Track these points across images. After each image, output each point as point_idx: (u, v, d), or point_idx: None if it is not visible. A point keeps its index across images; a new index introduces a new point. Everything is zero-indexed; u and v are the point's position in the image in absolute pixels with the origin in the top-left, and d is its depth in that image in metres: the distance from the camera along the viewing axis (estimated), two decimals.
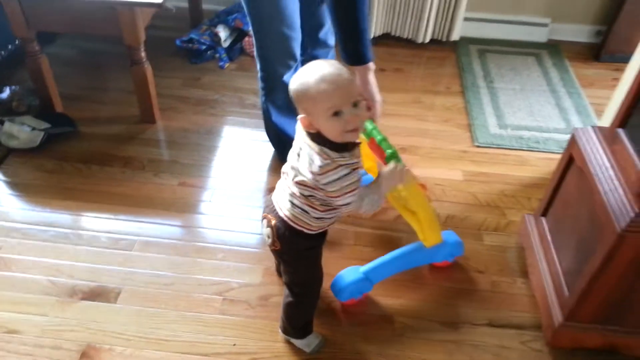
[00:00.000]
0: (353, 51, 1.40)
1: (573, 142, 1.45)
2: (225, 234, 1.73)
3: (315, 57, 1.74)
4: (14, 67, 2.35)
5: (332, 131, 1.06)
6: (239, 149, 2.08)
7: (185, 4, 2.83)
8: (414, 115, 2.30)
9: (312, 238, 1.22)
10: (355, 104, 1.06)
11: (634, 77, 1.29)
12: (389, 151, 1.31)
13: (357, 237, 1.74)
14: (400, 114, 2.30)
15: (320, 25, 1.83)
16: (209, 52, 2.60)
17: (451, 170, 2.02)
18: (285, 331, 1.43)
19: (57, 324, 1.44)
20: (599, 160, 1.33)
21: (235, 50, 2.64)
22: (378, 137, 1.34)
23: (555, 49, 2.79)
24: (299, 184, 1.14)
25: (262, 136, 2.03)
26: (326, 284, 1.52)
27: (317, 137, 1.09)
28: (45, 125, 2.04)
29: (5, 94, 2.15)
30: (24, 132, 1.98)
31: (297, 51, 1.69)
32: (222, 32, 2.63)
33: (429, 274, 1.64)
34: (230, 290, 1.56)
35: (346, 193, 1.10)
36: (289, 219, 1.19)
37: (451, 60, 2.71)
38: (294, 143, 1.17)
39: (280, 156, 1.93)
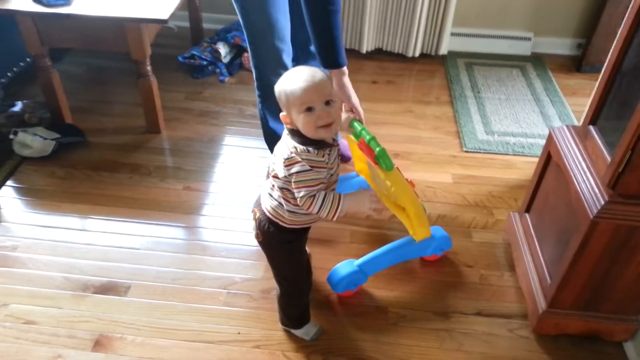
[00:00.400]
0: (328, 56, 1.55)
1: (550, 140, 1.58)
2: (227, 233, 1.84)
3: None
4: (26, 83, 2.47)
5: (306, 125, 1.16)
6: (239, 156, 2.20)
7: (186, 24, 2.98)
8: (406, 124, 2.42)
9: (289, 232, 1.30)
10: (327, 102, 1.16)
11: (600, 78, 1.42)
12: (377, 149, 1.43)
13: (353, 235, 1.85)
14: (393, 123, 2.42)
15: (310, 39, 1.96)
16: (209, 68, 2.73)
17: (442, 173, 2.14)
18: (283, 322, 1.53)
19: (72, 316, 1.54)
20: (573, 155, 1.45)
21: (235, 65, 2.77)
22: (367, 137, 1.45)
23: (539, 61, 2.94)
24: (274, 177, 1.25)
25: (260, 144, 2.15)
26: (323, 277, 1.62)
27: (294, 134, 1.20)
28: (56, 135, 2.15)
29: (18, 107, 2.27)
30: (36, 141, 2.09)
31: (289, 62, 1.82)
32: (222, 49, 2.76)
33: (420, 268, 1.74)
34: (234, 284, 1.66)
35: (303, 187, 1.18)
36: (268, 212, 1.29)
37: (440, 72, 2.85)
38: (279, 142, 1.27)
39: None
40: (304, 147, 1.17)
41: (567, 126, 1.54)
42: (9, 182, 2.00)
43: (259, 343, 1.50)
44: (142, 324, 1.53)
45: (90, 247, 1.75)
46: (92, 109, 2.42)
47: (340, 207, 1.20)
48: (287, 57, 1.80)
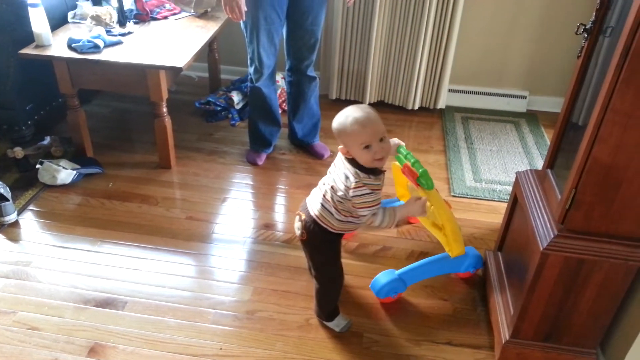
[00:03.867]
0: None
1: (516, 183, 1.71)
2: (221, 259, 1.99)
3: (300, 85, 2.48)
4: (56, 120, 2.74)
5: (364, 159, 1.43)
6: (242, 192, 2.38)
7: (206, 74, 3.26)
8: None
9: (331, 234, 1.56)
10: (381, 139, 1.42)
11: (555, 128, 1.57)
12: (420, 170, 1.65)
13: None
14: (386, 167, 2.58)
15: (304, 59, 2.41)
16: (223, 113, 2.98)
17: None
18: (318, 315, 1.74)
19: (72, 325, 1.69)
20: (532, 195, 1.58)
21: (246, 111, 3.00)
22: (412, 160, 1.68)
23: (533, 117, 3.10)
24: (333, 189, 1.51)
25: (263, 182, 2.33)
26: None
27: (352, 162, 1.47)
28: (77, 166, 2.38)
29: (46, 141, 2.52)
30: (59, 171, 2.31)
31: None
32: (236, 97, 3.01)
33: (398, 300, 1.84)
34: (222, 304, 1.79)
35: (364, 207, 1.46)
36: (317, 216, 1.54)
37: (438, 125, 3.03)
38: (332, 166, 1.55)
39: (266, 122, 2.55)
40: (366, 174, 1.44)
41: (530, 170, 1.68)
42: (30, 207, 2.21)
43: (239, 358, 1.61)
44: (134, 336, 1.66)
45: (96, 266, 1.92)
46: (113, 145, 2.66)
47: (396, 219, 1.51)
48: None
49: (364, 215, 1.48)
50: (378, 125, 1.43)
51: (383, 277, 1.80)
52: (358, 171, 1.44)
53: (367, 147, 1.40)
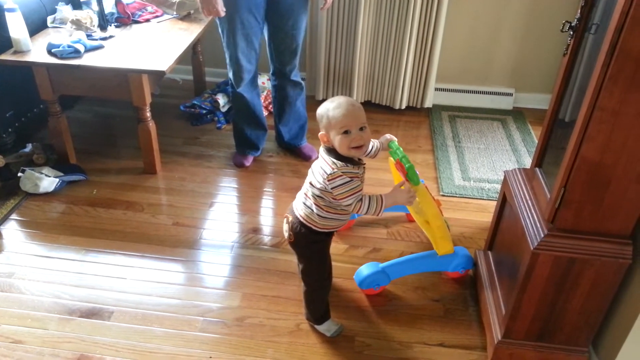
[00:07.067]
0: None
1: (505, 182, 1.70)
2: (209, 265, 1.96)
3: (285, 89, 2.44)
4: (37, 127, 2.68)
5: (341, 145, 1.41)
6: (229, 196, 2.35)
7: (190, 77, 3.22)
8: (387, 169, 2.55)
9: (318, 234, 1.54)
10: (361, 128, 1.42)
11: (543, 126, 1.56)
12: (407, 165, 1.63)
13: None
14: (374, 168, 2.56)
15: (286, 63, 2.37)
16: (208, 116, 2.94)
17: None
18: (307, 318, 1.72)
19: (57, 337, 1.65)
20: (521, 194, 1.57)
21: (232, 114, 2.97)
22: (400, 155, 1.66)
23: (520, 114, 3.11)
24: (311, 185, 1.50)
25: (248, 183, 2.30)
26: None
27: (331, 152, 1.45)
28: (60, 174, 2.33)
29: (28, 148, 2.46)
30: (41, 179, 2.27)
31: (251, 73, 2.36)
32: (221, 99, 2.98)
33: (389, 302, 1.83)
34: (210, 312, 1.76)
35: (349, 195, 1.43)
36: (301, 217, 1.54)
37: (425, 124, 3.02)
38: (317, 160, 1.51)
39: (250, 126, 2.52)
40: (342, 162, 1.43)
41: (518, 169, 1.67)
42: (13, 216, 2.16)
43: None
44: (121, 346, 1.63)
45: (80, 276, 1.88)
46: (96, 151, 2.62)
47: (383, 204, 1.47)
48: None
49: (349, 204, 1.45)
50: (360, 114, 1.43)
51: (366, 268, 1.81)
52: (335, 160, 1.43)
53: (346, 132, 1.40)
